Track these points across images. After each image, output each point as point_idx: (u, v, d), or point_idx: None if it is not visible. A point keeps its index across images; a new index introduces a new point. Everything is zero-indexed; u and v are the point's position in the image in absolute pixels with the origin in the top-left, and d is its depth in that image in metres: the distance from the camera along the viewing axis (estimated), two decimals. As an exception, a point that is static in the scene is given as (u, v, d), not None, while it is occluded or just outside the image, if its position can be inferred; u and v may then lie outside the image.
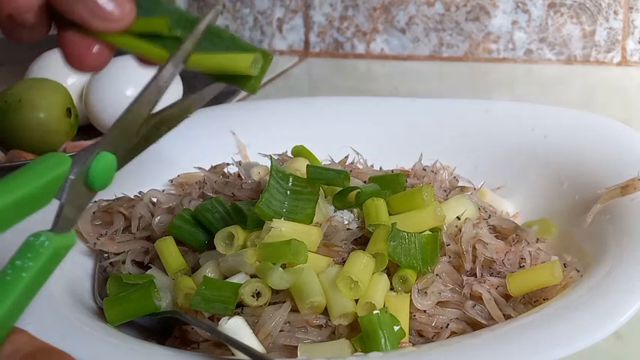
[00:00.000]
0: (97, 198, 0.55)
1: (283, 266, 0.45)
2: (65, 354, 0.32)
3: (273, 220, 0.46)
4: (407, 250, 0.46)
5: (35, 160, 0.36)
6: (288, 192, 0.48)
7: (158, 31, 0.43)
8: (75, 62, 0.43)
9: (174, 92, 0.82)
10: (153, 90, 0.41)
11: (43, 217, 0.36)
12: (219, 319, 0.43)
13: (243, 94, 0.89)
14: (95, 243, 0.53)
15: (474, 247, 0.48)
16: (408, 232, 0.46)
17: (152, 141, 0.44)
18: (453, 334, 0.45)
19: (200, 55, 0.43)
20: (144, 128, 0.42)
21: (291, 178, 0.49)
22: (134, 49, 0.43)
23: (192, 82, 0.83)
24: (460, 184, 0.58)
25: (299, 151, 0.58)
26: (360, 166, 0.59)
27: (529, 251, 0.49)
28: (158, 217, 0.53)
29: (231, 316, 0.43)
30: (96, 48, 0.43)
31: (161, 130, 0.44)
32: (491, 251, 0.48)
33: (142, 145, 0.43)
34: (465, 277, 0.47)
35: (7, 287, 0.33)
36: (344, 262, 0.45)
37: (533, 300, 0.47)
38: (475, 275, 0.48)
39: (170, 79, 0.42)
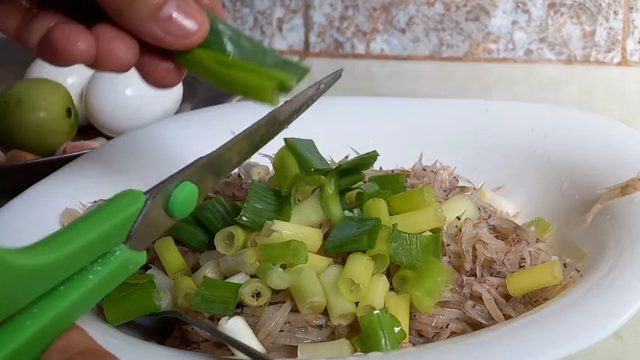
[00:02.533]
0: (96, 198, 0.55)
1: (283, 266, 0.45)
2: (115, 358, 0.32)
3: (274, 221, 0.46)
4: (408, 250, 0.46)
5: (109, 199, 0.36)
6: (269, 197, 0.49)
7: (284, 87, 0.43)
8: (152, 81, 0.44)
9: (173, 98, 0.82)
10: (246, 141, 0.42)
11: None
12: (219, 319, 0.43)
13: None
14: (95, 243, 0.52)
15: (474, 247, 0.48)
16: (409, 233, 0.46)
17: (239, 163, 0.45)
18: (453, 334, 0.45)
19: (227, 71, 0.43)
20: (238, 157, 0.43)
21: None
22: (205, 74, 0.44)
23: (193, 83, 0.83)
24: (460, 184, 0.58)
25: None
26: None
27: (529, 251, 0.49)
28: (158, 217, 0.53)
29: (231, 316, 0.43)
30: (168, 66, 0.44)
31: (255, 150, 0.45)
32: (491, 251, 0.48)
33: (228, 170, 0.44)
34: (465, 277, 0.47)
35: (72, 284, 0.34)
36: (344, 262, 0.45)
37: (533, 300, 0.47)
38: (475, 275, 0.48)
39: (269, 134, 0.43)
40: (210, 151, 0.42)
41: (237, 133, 0.44)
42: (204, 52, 0.43)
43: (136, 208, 0.36)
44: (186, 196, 0.39)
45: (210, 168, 0.41)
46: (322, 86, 0.48)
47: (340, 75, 0.49)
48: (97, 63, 0.43)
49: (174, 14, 0.42)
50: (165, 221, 0.39)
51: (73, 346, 0.32)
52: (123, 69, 0.44)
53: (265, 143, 0.47)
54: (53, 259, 0.32)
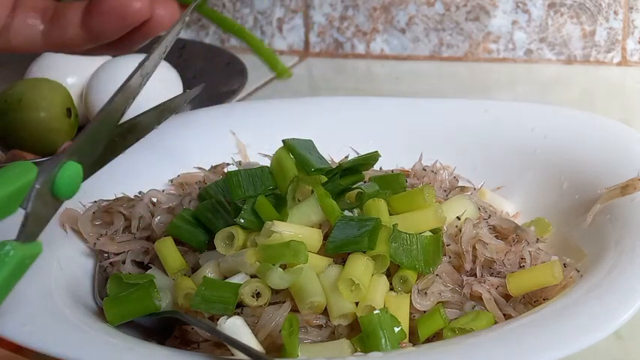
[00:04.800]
0: (96, 198, 0.55)
1: (283, 266, 0.45)
2: None
3: (274, 222, 0.46)
4: (408, 251, 0.46)
5: (1, 168, 0.36)
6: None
7: None
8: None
9: (171, 89, 0.82)
10: (120, 97, 0.41)
11: (8, 227, 0.36)
12: (219, 320, 0.43)
13: (243, 94, 0.90)
14: (95, 243, 0.52)
15: (474, 248, 0.48)
16: (409, 234, 0.46)
17: (119, 151, 0.44)
18: (453, 334, 0.45)
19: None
20: (111, 137, 0.41)
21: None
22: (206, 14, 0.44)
23: (192, 81, 0.83)
24: (460, 184, 0.58)
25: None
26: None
27: (529, 251, 0.49)
28: (158, 217, 0.53)
29: (230, 316, 0.43)
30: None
31: (128, 140, 0.44)
32: (492, 251, 0.48)
33: (110, 155, 0.43)
34: (465, 277, 0.47)
35: None
36: (344, 262, 0.45)
37: (533, 300, 0.47)
38: (475, 275, 0.48)
39: (140, 85, 0.42)
40: (90, 124, 0.40)
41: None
42: None
43: (29, 179, 0.36)
44: (71, 176, 0.38)
45: (91, 141, 0.40)
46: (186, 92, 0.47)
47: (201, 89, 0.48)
48: (149, 27, 0.43)
49: None
50: (53, 205, 0.38)
51: None
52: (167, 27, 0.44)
53: (138, 92, 0.44)
54: None
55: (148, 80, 0.43)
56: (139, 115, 0.44)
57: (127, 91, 0.41)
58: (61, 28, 0.44)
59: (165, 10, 0.43)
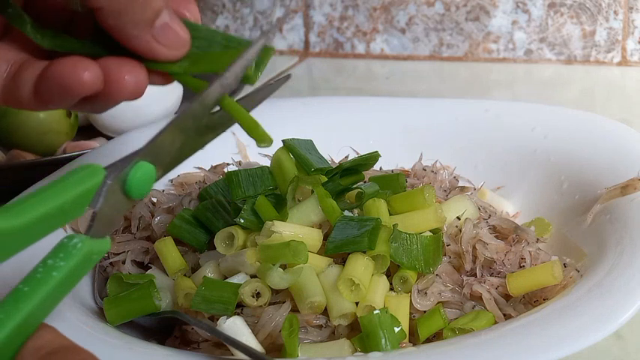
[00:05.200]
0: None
1: (283, 266, 0.45)
2: (89, 354, 0.32)
3: (274, 222, 0.46)
4: (409, 251, 0.46)
5: (70, 170, 0.36)
6: None
7: (215, 71, 0.42)
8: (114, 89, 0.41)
9: (173, 98, 0.82)
10: (197, 107, 0.41)
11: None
12: (219, 320, 0.43)
13: (243, 94, 0.89)
14: (95, 243, 0.52)
15: (474, 248, 0.48)
16: (409, 234, 0.46)
17: (197, 148, 0.43)
18: (453, 334, 0.45)
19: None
20: (187, 139, 0.41)
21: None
22: (187, 83, 0.43)
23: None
24: (460, 184, 0.58)
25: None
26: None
27: (529, 251, 0.49)
28: (158, 217, 0.53)
29: (229, 316, 0.43)
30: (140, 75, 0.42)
31: (206, 138, 0.44)
32: (492, 251, 0.48)
33: (186, 153, 0.43)
34: (465, 277, 0.47)
35: (36, 284, 0.33)
36: (344, 262, 0.45)
37: (533, 300, 0.47)
38: (475, 275, 0.48)
39: (216, 101, 0.42)
40: (162, 127, 0.40)
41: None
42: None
43: (96, 181, 0.36)
44: (144, 176, 0.38)
45: (165, 142, 0.40)
46: (272, 83, 0.47)
47: (289, 78, 0.47)
48: (110, 94, 0.41)
49: (166, 25, 0.41)
50: (124, 203, 0.38)
51: (45, 345, 0.32)
52: (138, 94, 0.42)
53: (217, 103, 0.43)
54: (13, 225, 0.32)
55: (227, 93, 0.43)
56: (216, 112, 0.43)
57: (206, 100, 0.41)
58: (17, 87, 0.41)
59: (131, 76, 0.41)
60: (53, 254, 0.34)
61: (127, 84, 0.41)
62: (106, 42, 0.42)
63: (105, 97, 0.41)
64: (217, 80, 0.40)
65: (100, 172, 0.36)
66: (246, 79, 0.42)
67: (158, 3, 0.41)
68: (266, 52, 0.42)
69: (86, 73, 0.40)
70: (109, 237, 0.37)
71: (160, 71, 0.43)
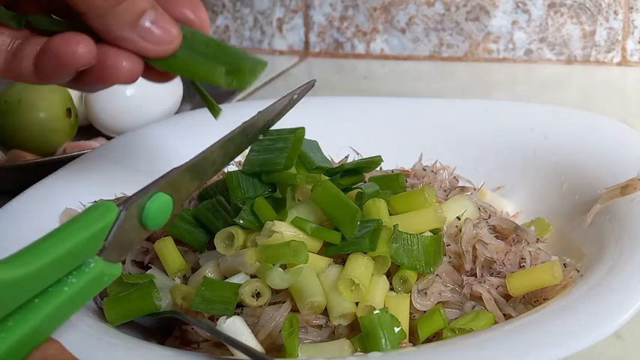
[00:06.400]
0: (96, 198, 0.55)
1: (283, 266, 0.45)
2: None
3: (274, 222, 0.46)
4: (409, 251, 0.46)
5: (83, 210, 0.36)
6: None
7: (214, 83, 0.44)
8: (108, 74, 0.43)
9: (173, 98, 0.82)
10: (220, 151, 0.42)
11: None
12: (219, 320, 0.43)
13: (243, 94, 0.90)
14: (95, 243, 0.52)
15: (474, 248, 0.48)
16: (410, 234, 0.46)
17: (218, 170, 0.45)
18: (453, 334, 0.45)
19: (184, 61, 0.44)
20: (206, 173, 0.43)
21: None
22: (183, 72, 0.45)
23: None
24: (460, 184, 0.58)
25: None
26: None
27: (529, 251, 0.49)
28: (158, 217, 0.53)
29: (229, 316, 0.43)
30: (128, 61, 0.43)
31: (229, 156, 0.45)
32: (492, 251, 0.48)
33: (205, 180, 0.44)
34: (465, 277, 0.47)
35: (47, 297, 0.34)
36: (344, 262, 0.45)
37: (533, 300, 0.47)
38: (475, 275, 0.48)
39: (243, 144, 0.43)
40: (185, 162, 0.42)
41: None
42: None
43: (108, 221, 0.36)
44: (160, 208, 0.39)
45: (185, 178, 0.41)
46: (295, 96, 0.48)
47: (313, 85, 0.49)
48: (105, 77, 0.43)
49: (153, 23, 0.43)
50: (140, 232, 0.39)
51: (48, 358, 0.32)
52: (132, 79, 0.44)
53: (240, 152, 0.47)
54: (25, 272, 0.32)
55: (269, 127, 0.44)
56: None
57: (229, 145, 0.43)
58: (18, 61, 0.44)
59: (128, 62, 0.43)
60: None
61: (123, 69, 0.43)
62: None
63: (100, 79, 0.43)
64: (260, 113, 0.43)
65: (113, 210, 0.37)
66: (238, 86, 0.44)
67: (142, 4, 0.42)
68: (261, 65, 0.44)
69: (80, 46, 0.42)
70: (120, 263, 0.37)
71: (159, 70, 0.44)
